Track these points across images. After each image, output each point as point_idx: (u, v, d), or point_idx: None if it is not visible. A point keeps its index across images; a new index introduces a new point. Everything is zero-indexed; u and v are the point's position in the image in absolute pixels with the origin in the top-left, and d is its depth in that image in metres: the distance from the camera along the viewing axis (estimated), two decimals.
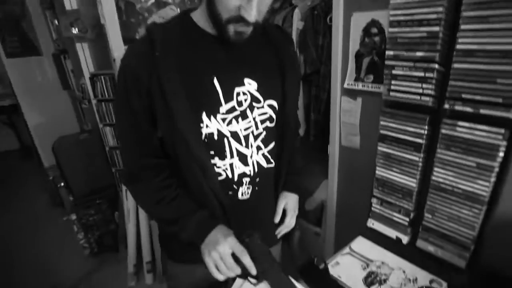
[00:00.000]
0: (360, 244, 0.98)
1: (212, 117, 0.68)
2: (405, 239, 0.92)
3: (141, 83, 0.64)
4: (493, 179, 0.69)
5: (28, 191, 3.39)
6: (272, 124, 0.76)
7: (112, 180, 2.14)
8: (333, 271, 0.88)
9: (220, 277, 0.65)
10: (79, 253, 2.32)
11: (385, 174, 0.91)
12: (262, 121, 0.74)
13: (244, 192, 0.76)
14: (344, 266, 0.90)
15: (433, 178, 0.79)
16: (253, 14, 0.58)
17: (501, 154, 0.66)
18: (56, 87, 3.03)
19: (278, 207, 0.84)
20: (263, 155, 0.76)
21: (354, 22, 0.98)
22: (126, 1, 1.50)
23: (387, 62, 0.79)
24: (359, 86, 1.03)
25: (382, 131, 0.87)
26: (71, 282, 2.06)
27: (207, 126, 0.68)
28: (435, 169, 0.78)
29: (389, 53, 0.77)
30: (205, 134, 0.68)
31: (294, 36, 1.46)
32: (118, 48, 1.56)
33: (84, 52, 1.78)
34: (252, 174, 0.74)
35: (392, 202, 0.92)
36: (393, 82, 0.79)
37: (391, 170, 0.88)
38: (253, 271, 0.64)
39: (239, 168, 0.72)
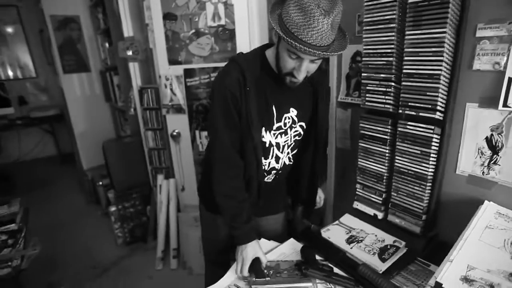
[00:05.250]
0: (347, 219, 1.27)
1: (267, 132, 1.03)
2: (380, 215, 1.21)
3: (237, 102, 0.94)
4: (431, 163, 0.99)
5: (66, 191, 3.82)
6: (300, 138, 1.13)
7: (147, 178, 2.51)
8: (324, 234, 1.18)
9: (238, 273, 1.00)
10: (114, 242, 2.68)
11: (364, 164, 1.21)
12: (295, 136, 1.11)
13: (270, 178, 1.14)
14: (333, 232, 1.20)
15: (396, 164, 1.10)
16: (301, 76, 0.88)
17: (434, 143, 0.97)
18: (100, 99, 3.52)
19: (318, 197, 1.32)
20: (289, 157, 1.14)
21: (344, 52, 1.33)
22: (172, 30, 1.92)
23: (363, 81, 1.12)
24: (349, 99, 1.36)
25: (361, 131, 1.18)
26: (105, 265, 2.41)
27: (263, 136, 1.03)
28: (396, 157, 1.08)
29: (364, 74, 1.11)
30: (263, 142, 1.03)
31: None
32: (163, 68, 1.97)
33: (134, 70, 2.20)
34: (279, 168, 1.13)
35: (370, 185, 1.22)
36: (367, 95, 1.12)
37: (368, 161, 1.19)
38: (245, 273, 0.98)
39: (272, 164, 1.10)
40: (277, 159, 1.10)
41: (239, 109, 0.95)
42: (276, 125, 1.03)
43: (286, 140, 1.08)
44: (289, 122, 1.05)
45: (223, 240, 1.26)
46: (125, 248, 2.59)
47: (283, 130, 1.05)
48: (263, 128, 1.01)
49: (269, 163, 1.09)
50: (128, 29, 2.14)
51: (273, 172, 1.13)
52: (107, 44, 3.01)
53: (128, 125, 2.92)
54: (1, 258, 1.19)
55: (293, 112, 1.05)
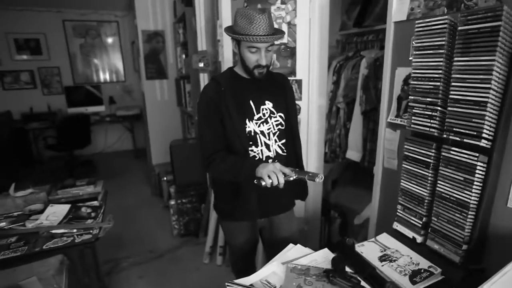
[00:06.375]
0: (384, 238, 1.28)
1: (250, 122, 1.25)
2: (419, 239, 1.19)
3: (216, 105, 1.21)
4: (474, 191, 0.97)
5: (136, 182, 4.30)
6: (283, 128, 1.32)
7: (204, 178, 2.75)
8: (358, 249, 1.21)
9: (268, 182, 1.08)
10: (170, 232, 2.96)
11: (406, 186, 1.21)
12: (277, 125, 1.31)
13: None
14: (367, 248, 1.22)
15: (438, 188, 1.08)
16: (263, 62, 1.16)
17: (478, 171, 0.95)
18: (173, 103, 3.94)
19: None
20: (279, 146, 1.31)
21: (397, 74, 1.35)
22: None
23: (410, 104, 1.14)
24: (398, 121, 1.37)
25: (405, 153, 1.19)
26: (160, 251, 2.68)
27: (248, 126, 1.25)
28: (439, 181, 1.07)
29: (411, 97, 1.13)
30: (247, 131, 1.25)
31: (360, 80, 1.85)
32: None
33: (204, 80, 2.47)
34: (273, 157, 1.29)
35: (411, 208, 1.21)
36: (413, 118, 1.13)
37: (411, 183, 1.19)
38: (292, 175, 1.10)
39: (265, 152, 1.28)
40: (268, 146, 1.28)
41: (220, 109, 1.21)
42: (256, 116, 1.27)
43: (269, 128, 1.29)
44: (267, 112, 1.29)
45: (242, 244, 1.40)
46: (179, 239, 2.85)
47: (263, 119, 1.28)
48: (247, 119, 1.25)
49: (261, 150, 1.28)
50: (202, 43, 2.42)
51: (270, 161, 1.23)
52: (184, 56, 3.39)
53: (193, 128, 3.23)
54: (86, 226, 1.49)
55: (269, 104, 1.29)
